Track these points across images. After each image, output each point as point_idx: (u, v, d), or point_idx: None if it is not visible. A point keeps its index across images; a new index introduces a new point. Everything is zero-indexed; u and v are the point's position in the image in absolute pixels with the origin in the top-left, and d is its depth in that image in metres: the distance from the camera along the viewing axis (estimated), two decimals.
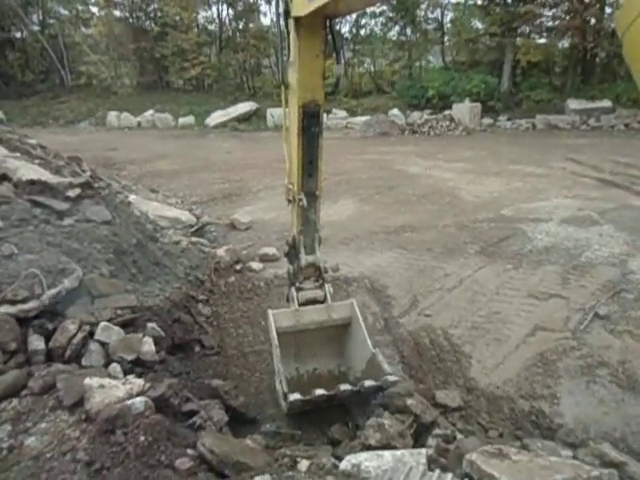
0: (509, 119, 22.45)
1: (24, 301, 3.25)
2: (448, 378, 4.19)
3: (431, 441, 2.95)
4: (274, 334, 3.71)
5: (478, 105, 22.17)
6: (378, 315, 5.27)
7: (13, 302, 3.22)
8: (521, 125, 21.91)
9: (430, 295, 5.66)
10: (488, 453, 2.22)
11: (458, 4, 26.79)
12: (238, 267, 6.22)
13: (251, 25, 29.22)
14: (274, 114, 22.98)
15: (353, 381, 3.82)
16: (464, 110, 21.74)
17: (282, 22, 3.10)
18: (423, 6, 27.50)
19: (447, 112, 21.92)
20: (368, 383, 3.35)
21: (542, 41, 25.37)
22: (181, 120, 25.51)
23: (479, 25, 26.73)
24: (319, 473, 2.38)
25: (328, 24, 3.03)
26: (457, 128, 21.04)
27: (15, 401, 2.73)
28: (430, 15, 28.15)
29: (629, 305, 5.16)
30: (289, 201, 3.76)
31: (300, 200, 3.60)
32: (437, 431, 3.05)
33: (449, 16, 28.06)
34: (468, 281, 5.98)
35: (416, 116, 23.15)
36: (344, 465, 2.37)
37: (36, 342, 3.19)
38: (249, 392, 4.00)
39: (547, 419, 3.66)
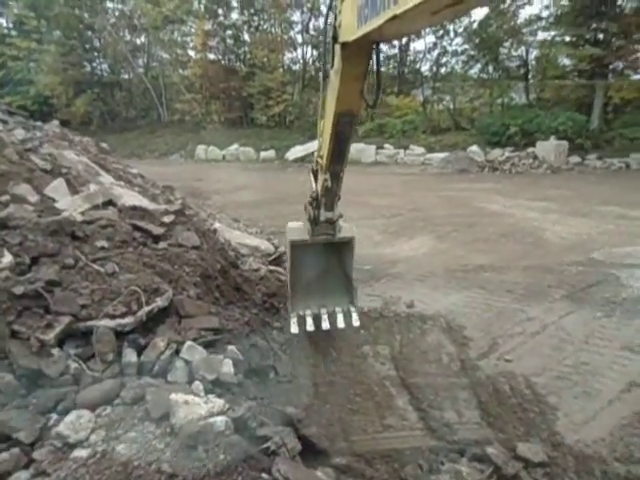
0: (599, 158, 21.15)
1: (122, 316, 3.53)
2: (531, 430, 3.90)
3: None
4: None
5: (564, 143, 21.13)
6: (454, 356, 5.07)
7: (113, 316, 3.52)
8: (613, 164, 20.56)
9: (511, 339, 5.38)
10: None
11: (545, 41, 26.18)
12: None
13: None
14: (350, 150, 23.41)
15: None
16: (549, 148, 20.81)
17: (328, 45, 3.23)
18: (507, 44, 27.22)
19: (530, 150, 21.17)
20: (341, 326, 4.75)
21: (638, 77, 23.97)
22: (263, 154, 26.79)
23: (567, 62, 25.89)
24: None
25: (374, 49, 3.04)
26: (541, 166, 20.21)
27: (109, 408, 2.94)
28: (514, 53, 27.76)
29: None
30: (314, 170, 4.30)
31: (325, 180, 4.06)
32: None
33: (534, 53, 27.50)
34: (553, 327, 5.62)
35: (496, 153, 22.48)
36: None
37: (129, 355, 3.43)
38: (320, 423, 3.98)
39: None
